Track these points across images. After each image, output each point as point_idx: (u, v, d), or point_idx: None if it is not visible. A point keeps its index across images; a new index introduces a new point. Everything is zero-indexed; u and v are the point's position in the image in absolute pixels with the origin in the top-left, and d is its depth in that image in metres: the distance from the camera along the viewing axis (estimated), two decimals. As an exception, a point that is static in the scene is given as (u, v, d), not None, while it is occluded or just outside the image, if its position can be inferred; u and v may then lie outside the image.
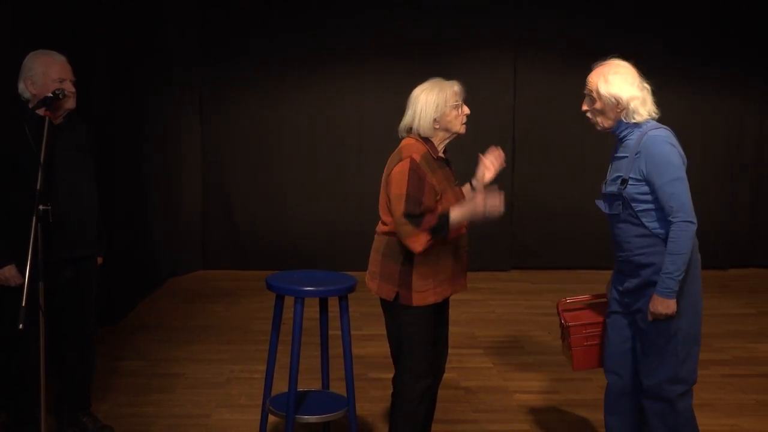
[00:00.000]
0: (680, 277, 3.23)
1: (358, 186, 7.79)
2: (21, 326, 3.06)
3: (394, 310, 3.57)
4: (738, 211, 8.33)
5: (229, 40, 7.77)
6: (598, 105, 3.38)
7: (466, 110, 3.59)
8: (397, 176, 3.44)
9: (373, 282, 3.61)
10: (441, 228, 3.40)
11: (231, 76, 7.83)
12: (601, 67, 3.40)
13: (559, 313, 3.68)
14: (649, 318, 3.32)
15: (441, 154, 3.59)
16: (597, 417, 4.44)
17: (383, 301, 3.62)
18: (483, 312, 6.70)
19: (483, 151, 3.67)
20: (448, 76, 3.64)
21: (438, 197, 3.48)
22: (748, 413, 4.69)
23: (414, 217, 3.38)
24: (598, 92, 3.36)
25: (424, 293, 3.50)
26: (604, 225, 3.54)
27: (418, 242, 3.38)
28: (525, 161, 8.08)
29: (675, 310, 3.26)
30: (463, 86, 3.61)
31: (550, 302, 6.89)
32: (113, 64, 6.23)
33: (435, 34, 7.77)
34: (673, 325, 3.31)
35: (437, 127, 3.53)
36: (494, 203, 3.38)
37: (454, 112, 3.54)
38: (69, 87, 3.84)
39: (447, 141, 3.60)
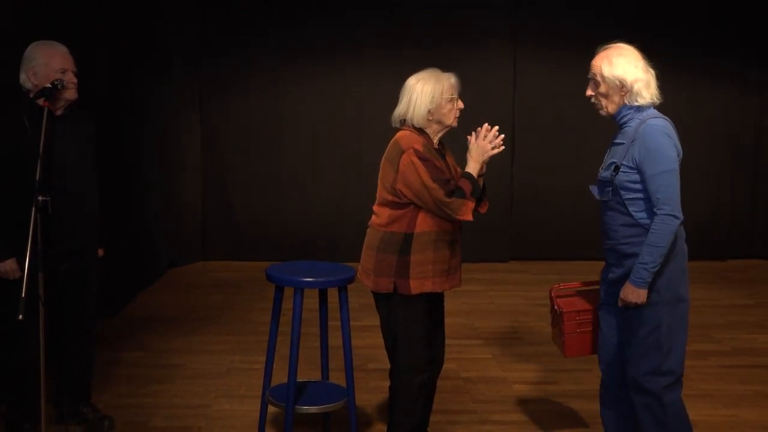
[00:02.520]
0: (655, 269, 3.21)
1: (358, 178, 7.81)
2: (20, 317, 3.06)
3: (390, 304, 3.57)
4: (738, 202, 8.35)
5: (229, 40, 7.78)
6: (602, 88, 3.34)
7: (461, 104, 3.57)
8: (409, 170, 3.42)
9: (368, 278, 3.60)
10: (474, 186, 3.45)
11: (231, 75, 7.84)
12: (605, 50, 3.36)
13: (552, 299, 3.66)
14: (619, 304, 3.32)
15: (437, 146, 3.58)
16: (595, 408, 4.41)
17: (378, 297, 3.62)
18: (482, 303, 6.71)
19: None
20: (448, 67, 3.63)
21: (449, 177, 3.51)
22: (747, 404, 4.70)
23: (453, 192, 3.40)
24: (602, 75, 3.31)
25: (422, 280, 3.50)
26: (602, 215, 3.54)
27: (468, 211, 3.42)
28: (524, 152, 8.10)
29: (645, 300, 3.25)
30: (462, 78, 3.59)
31: (549, 293, 6.95)
32: (113, 64, 6.24)
33: (435, 26, 7.78)
34: (655, 316, 3.29)
35: (431, 118, 3.51)
36: (495, 142, 3.47)
37: (449, 105, 3.51)
38: (70, 78, 3.83)
39: (441, 134, 3.59)
